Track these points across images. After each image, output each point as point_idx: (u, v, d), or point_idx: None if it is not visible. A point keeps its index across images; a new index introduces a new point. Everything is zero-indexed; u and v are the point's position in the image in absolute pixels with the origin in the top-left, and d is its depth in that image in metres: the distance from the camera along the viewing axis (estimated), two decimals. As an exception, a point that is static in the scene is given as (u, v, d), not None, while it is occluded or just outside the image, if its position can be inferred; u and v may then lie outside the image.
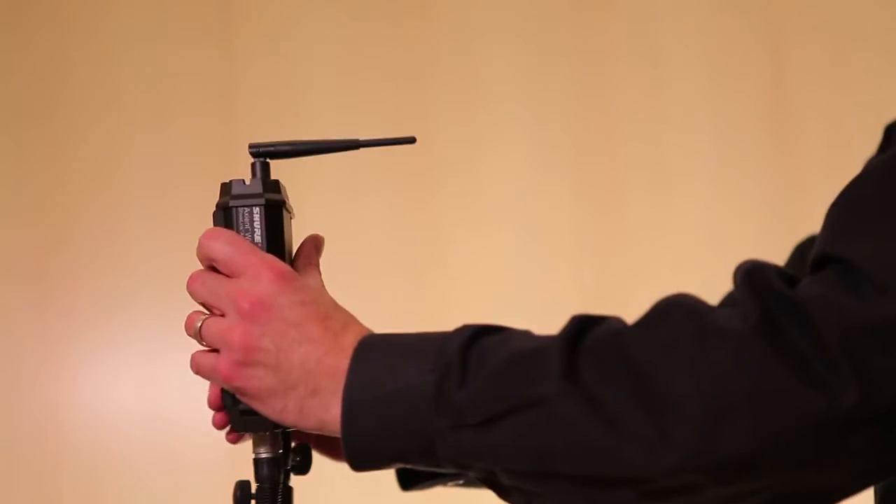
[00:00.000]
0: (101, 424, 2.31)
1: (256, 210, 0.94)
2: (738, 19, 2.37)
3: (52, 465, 2.30)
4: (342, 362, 0.89)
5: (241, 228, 0.94)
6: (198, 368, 0.93)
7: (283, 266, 0.93)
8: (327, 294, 0.95)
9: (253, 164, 0.96)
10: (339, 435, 0.89)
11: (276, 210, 0.95)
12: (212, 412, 0.96)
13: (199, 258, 0.95)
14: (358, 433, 0.88)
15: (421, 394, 0.86)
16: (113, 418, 2.31)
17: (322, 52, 2.39)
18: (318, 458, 1.03)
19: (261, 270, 0.91)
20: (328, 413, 0.89)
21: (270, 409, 0.91)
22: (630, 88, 2.36)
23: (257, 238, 0.94)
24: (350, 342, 0.90)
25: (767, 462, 0.79)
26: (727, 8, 2.37)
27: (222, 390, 0.94)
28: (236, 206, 0.94)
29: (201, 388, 0.97)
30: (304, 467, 1.00)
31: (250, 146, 0.96)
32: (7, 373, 2.33)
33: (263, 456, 0.95)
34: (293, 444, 1.00)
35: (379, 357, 0.89)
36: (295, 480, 1.01)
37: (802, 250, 1.23)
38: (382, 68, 2.38)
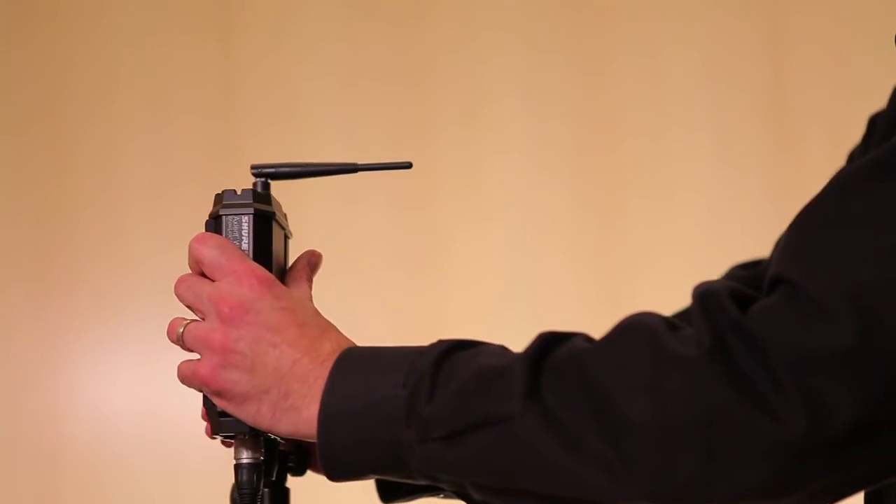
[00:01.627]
0: (101, 424, 2.31)
1: (245, 219, 0.96)
2: (738, 19, 2.37)
3: (51, 465, 2.30)
4: (316, 369, 0.90)
5: (230, 236, 0.96)
6: (183, 377, 0.94)
7: (266, 273, 0.94)
8: (310, 303, 0.96)
9: (254, 184, 0.98)
10: (312, 440, 0.90)
11: (264, 220, 0.96)
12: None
13: (188, 262, 0.96)
14: (334, 444, 0.89)
15: (393, 407, 0.87)
16: (112, 418, 2.31)
17: (322, 52, 2.39)
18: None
19: (243, 276, 0.93)
20: (300, 417, 0.90)
21: (245, 412, 0.92)
22: (630, 88, 2.36)
23: (244, 246, 0.96)
24: (327, 350, 0.91)
25: (719, 489, 0.80)
26: (727, 8, 2.37)
27: (204, 395, 0.94)
28: (225, 215, 0.96)
29: (200, 389, 0.97)
30: (300, 468, 1.01)
31: (252, 167, 0.99)
32: (6, 372, 2.33)
33: (244, 461, 0.95)
34: (289, 445, 1.00)
35: (355, 371, 0.90)
36: (293, 482, 1.01)
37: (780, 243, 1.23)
38: (382, 68, 2.38)
